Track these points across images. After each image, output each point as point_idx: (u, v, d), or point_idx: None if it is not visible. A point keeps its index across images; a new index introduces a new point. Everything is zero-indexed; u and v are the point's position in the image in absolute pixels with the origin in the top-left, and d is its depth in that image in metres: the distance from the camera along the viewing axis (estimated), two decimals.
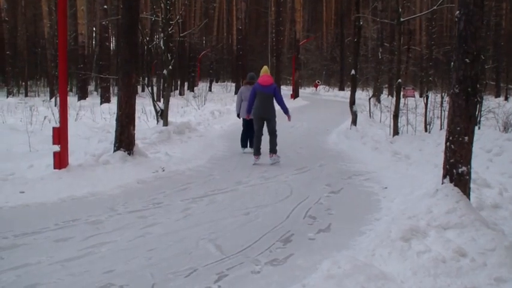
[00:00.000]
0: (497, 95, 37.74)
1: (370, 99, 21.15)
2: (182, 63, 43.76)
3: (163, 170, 10.50)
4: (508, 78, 40.76)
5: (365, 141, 14.42)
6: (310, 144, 14.78)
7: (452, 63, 5.51)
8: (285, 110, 12.06)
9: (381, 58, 31.38)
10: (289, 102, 25.87)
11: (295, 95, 36.28)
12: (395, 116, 14.87)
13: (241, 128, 13.83)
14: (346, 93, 40.13)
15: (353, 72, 17.17)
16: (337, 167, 11.60)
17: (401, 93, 15.61)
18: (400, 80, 15.14)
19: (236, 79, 42.10)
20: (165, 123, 15.35)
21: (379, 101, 26.73)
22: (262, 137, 11.91)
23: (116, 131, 10.97)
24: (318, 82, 46.75)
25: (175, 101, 27.33)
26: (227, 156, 12.95)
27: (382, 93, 32.87)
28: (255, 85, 12.01)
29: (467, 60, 5.41)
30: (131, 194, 8.64)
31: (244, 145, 13.63)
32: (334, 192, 9.10)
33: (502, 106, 18.84)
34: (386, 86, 37.20)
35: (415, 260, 4.63)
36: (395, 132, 14.84)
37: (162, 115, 15.67)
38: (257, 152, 11.87)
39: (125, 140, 10.86)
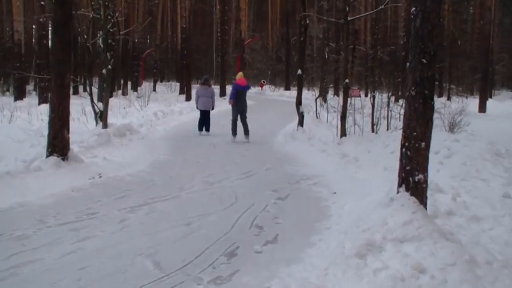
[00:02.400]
0: (440, 95, 38.23)
1: (316, 99, 20.65)
2: (125, 62, 42.47)
3: (100, 177, 9.88)
4: (450, 78, 41.40)
5: (312, 142, 14.10)
6: (255, 147, 14.41)
7: (408, 63, 5.14)
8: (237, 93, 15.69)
9: (327, 58, 31.04)
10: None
11: None
12: (343, 117, 14.55)
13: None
14: (292, 92, 38.96)
15: (299, 72, 16.71)
16: (284, 170, 11.24)
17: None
18: (347, 80, 14.68)
19: (181, 79, 40.87)
20: (105, 126, 14.69)
21: (325, 101, 26.31)
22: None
23: (49, 135, 10.24)
24: (264, 82, 46.19)
25: (117, 101, 26.41)
26: (170, 159, 12.42)
27: (328, 93, 32.31)
28: (235, 85, 15.71)
29: (424, 60, 5.00)
30: (64, 203, 7.99)
31: (200, 129, 16.94)
32: (281, 198, 8.72)
33: (448, 106, 18.77)
34: (332, 85, 36.62)
35: (372, 279, 4.24)
36: (343, 133, 14.53)
37: (102, 117, 15.03)
38: (234, 133, 15.51)
39: (58, 144, 10.14)
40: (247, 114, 15.89)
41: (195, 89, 34.61)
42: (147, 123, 18.32)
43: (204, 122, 17.14)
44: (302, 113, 16.61)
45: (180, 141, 15.44)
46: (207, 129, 17.16)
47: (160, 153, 13.10)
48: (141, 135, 15.10)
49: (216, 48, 51.58)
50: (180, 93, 38.35)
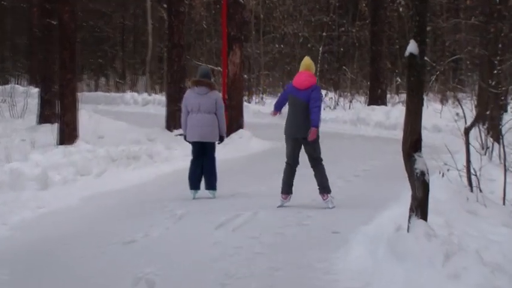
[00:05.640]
0: None
1: (469, 129, 14.30)
2: None
3: None
4: None
5: (458, 268, 9.24)
6: (285, 282, 9.79)
7: None
8: (314, 120, 13.52)
9: (499, 2, 20.66)
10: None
11: (230, 118, 24.20)
12: None
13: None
14: (391, 112, 30.60)
15: (412, 48, 10.88)
16: None
17: None
18: None
19: (42, 70, 28.28)
20: None
21: (497, 137, 17.13)
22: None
23: None
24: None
25: None
26: None
27: (506, 110, 21.56)
28: (288, 85, 14.65)
29: None
30: None
31: (195, 186, 14.78)
32: None
33: None
34: None
35: None
36: None
37: None
38: (286, 190, 13.77)
39: None
40: (320, 154, 13.82)
41: (93, 106, 28.39)
42: None
43: (202, 168, 14.95)
44: (422, 175, 10.70)
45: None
46: (210, 186, 14.87)
47: None
48: None
49: None
50: (41, 120, 26.44)
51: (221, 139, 15.25)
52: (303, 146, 13.83)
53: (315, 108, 13.67)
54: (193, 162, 15.11)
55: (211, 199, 14.83)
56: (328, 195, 13.72)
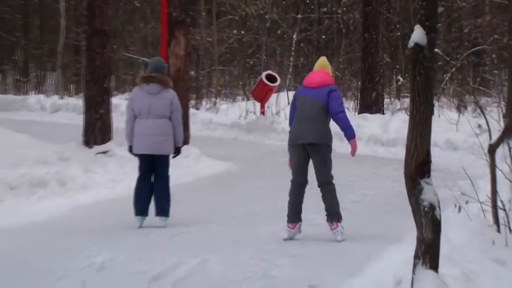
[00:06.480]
0: None
1: (495, 147, 14.22)
2: None
3: None
4: None
5: None
6: None
7: None
8: (347, 129, 14.37)
9: None
10: None
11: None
12: None
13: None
14: (390, 123, 31.83)
15: (418, 36, 10.71)
16: None
17: None
18: None
19: None
20: None
21: None
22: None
23: None
24: (269, 81, 33.95)
25: None
26: None
27: None
28: (298, 89, 16.35)
29: None
30: None
31: (141, 212, 15.25)
32: None
33: None
34: None
35: None
36: None
37: None
38: (294, 217, 14.38)
39: None
40: (331, 171, 14.53)
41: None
42: None
43: (153, 188, 15.44)
44: (431, 208, 10.74)
45: None
46: (162, 212, 15.35)
47: None
48: None
49: None
50: None
51: (177, 151, 15.59)
52: (310, 156, 14.42)
53: (340, 114, 14.31)
54: (140, 179, 15.50)
55: (144, 237, 14.75)
56: (338, 224, 14.23)
